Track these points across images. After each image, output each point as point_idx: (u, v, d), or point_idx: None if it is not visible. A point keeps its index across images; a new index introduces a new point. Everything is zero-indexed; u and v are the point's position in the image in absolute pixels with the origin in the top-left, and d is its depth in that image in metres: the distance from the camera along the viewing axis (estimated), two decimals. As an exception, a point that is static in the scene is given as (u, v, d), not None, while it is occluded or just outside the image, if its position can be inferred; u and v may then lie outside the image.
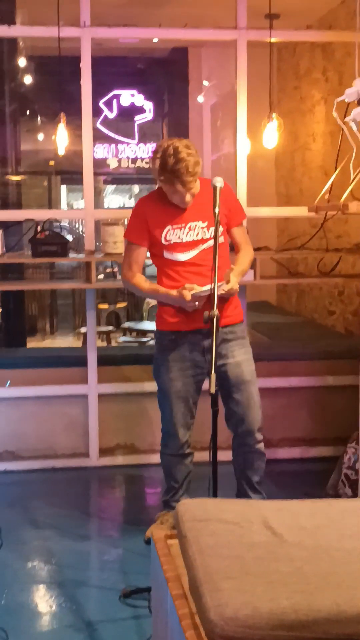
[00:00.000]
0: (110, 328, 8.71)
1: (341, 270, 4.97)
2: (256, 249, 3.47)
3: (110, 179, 13.25)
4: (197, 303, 3.19)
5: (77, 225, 11.82)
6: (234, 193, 3.51)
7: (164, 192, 3.31)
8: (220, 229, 3.31)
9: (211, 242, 3.27)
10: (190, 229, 3.31)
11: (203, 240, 3.30)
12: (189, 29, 4.68)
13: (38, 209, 10.65)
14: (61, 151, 4.93)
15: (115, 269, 5.39)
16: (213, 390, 2.57)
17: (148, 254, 3.47)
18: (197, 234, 3.31)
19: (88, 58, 4.31)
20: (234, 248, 3.53)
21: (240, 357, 3.38)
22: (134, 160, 11.02)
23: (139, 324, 8.51)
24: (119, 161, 11.00)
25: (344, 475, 3.84)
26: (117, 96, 9.91)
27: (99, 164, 10.56)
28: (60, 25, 4.27)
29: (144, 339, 7.80)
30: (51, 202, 12.89)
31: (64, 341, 9.65)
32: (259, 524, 1.97)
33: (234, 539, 1.89)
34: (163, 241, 3.33)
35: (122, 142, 10.76)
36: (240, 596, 1.62)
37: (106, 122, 10.14)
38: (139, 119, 10.30)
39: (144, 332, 8.04)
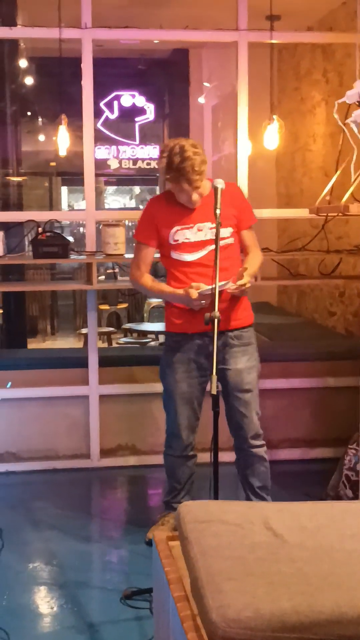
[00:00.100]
0: (111, 329, 8.71)
1: (342, 272, 4.98)
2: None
3: (115, 180, 13.26)
4: (203, 302, 3.19)
5: (80, 229, 11.82)
6: (244, 196, 3.50)
7: (173, 193, 3.32)
8: (230, 230, 3.31)
9: (221, 243, 3.27)
10: (198, 229, 3.30)
11: (211, 241, 3.27)
12: (189, 30, 4.68)
13: (39, 210, 10.68)
14: (62, 152, 4.94)
15: (116, 270, 5.39)
16: (214, 391, 2.58)
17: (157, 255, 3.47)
18: (206, 235, 3.30)
19: (89, 59, 4.31)
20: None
21: (242, 365, 3.36)
22: (135, 161, 11.03)
23: (139, 325, 8.50)
24: (120, 162, 11.01)
25: (345, 476, 3.84)
26: (118, 97, 9.93)
27: (100, 165, 10.57)
28: (61, 26, 4.27)
29: (145, 340, 7.81)
30: (52, 203, 12.90)
31: (65, 342, 9.64)
32: (260, 525, 1.98)
33: (235, 540, 1.89)
34: (171, 241, 3.33)
35: (123, 143, 10.78)
36: (241, 597, 1.62)
37: (107, 123, 10.15)
38: (139, 120, 10.31)
39: (144, 333, 8.04)
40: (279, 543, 1.88)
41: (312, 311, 6.93)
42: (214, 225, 3.27)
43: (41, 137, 11.08)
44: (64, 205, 13.96)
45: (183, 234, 3.32)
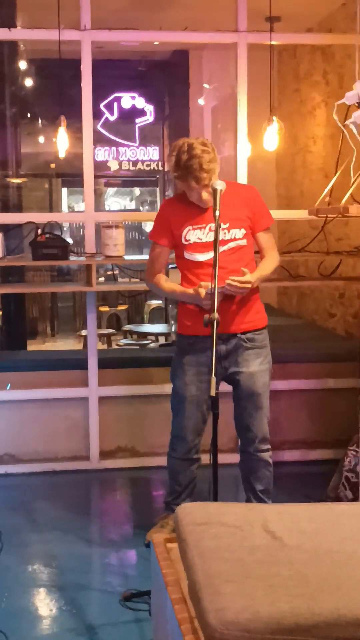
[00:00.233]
0: (111, 331, 8.71)
1: (342, 273, 4.97)
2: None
3: (116, 181, 13.25)
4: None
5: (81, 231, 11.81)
6: (261, 197, 3.46)
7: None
8: (243, 231, 3.29)
9: (232, 244, 3.26)
10: (211, 229, 3.27)
11: (224, 242, 3.25)
12: (189, 32, 4.68)
13: (39, 212, 10.69)
14: (62, 154, 4.93)
15: (116, 272, 5.38)
16: (213, 392, 2.57)
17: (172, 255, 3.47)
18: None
19: (88, 61, 4.31)
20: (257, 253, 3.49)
21: (255, 368, 3.35)
22: (135, 163, 11.04)
23: (139, 327, 8.50)
24: (120, 164, 11.02)
25: (345, 478, 3.83)
26: (118, 99, 9.94)
27: (100, 167, 10.58)
28: (60, 28, 4.27)
29: (145, 342, 7.81)
30: (52, 204, 12.90)
31: (65, 344, 9.65)
32: (259, 527, 1.97)
33: (234, 542, 1.89)
34: (183, 241, 3.32)
35: (123, 145, 10.79)
36: (240, 600, 1.62)
37: (107, 124, 10.17)
38: (139, 121, 10.33)
39: (144, 335, 8.04)
40: (278, 545, 1.88)
41: (312, 313, 6.92)
42: (226, 225, 3.26)
43: (41, 139, 11.08)
44: (64, 206, 13.96)
45: (195, 234, 3.30)
